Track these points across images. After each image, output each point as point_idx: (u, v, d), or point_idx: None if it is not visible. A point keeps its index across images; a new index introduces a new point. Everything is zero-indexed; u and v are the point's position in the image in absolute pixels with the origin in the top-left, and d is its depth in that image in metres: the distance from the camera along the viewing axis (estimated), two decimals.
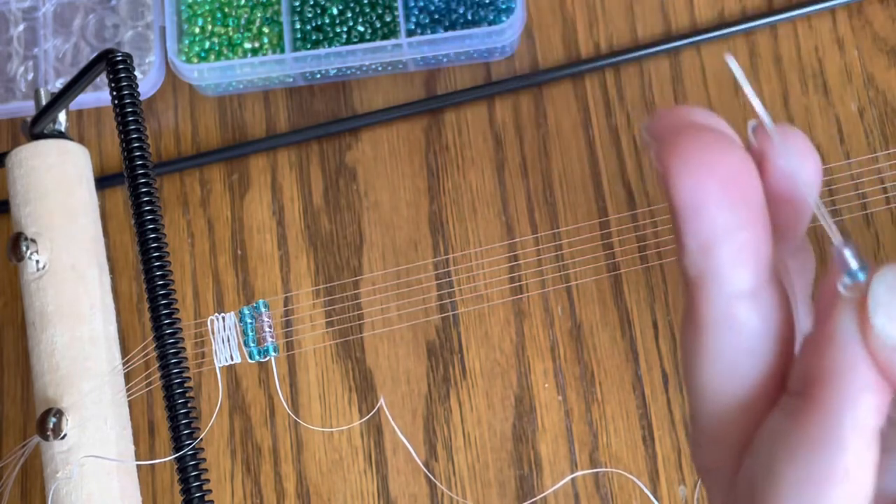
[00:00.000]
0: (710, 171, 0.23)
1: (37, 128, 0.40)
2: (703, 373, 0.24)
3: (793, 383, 0.23)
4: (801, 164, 0.26)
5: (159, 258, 0.35)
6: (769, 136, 0.25)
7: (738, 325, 0.23)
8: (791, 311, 0.24)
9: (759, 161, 0.24)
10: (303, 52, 0.45)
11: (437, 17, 0.45)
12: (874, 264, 0.22)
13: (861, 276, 0.22)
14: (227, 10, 0.47)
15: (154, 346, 0.35)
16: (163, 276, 0.35)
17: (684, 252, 0.23)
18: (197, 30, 0.47)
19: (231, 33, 0.47)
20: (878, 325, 0.21)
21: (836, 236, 0.22)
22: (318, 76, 0.46)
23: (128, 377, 0.38)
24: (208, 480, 0.34)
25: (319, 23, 0.46)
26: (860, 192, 0.41)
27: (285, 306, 0.44)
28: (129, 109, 0.36)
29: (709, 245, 0.23)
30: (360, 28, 0.46)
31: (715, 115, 0.25)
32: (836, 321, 0.22)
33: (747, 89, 0.23)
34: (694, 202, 0.23)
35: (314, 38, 0.46)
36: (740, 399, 0.24)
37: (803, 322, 0.26)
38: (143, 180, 0.35)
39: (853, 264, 0.22)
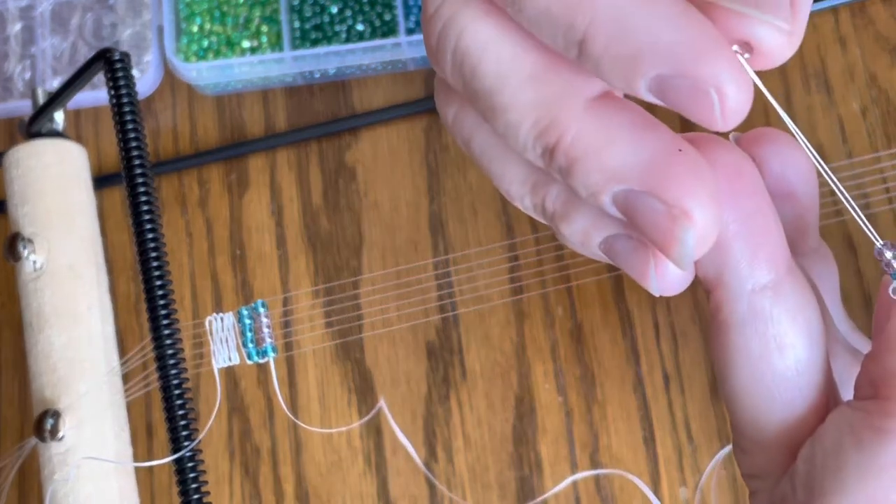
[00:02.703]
0: (712, 167, 0.22)
1: (34, 127, 0.40)
2: (737, 375, 0.24)
3: (862, 390, 0.23)
4: (793, 163, 0.26)
5: (157, 258, 0.35)
6: (756, 139, 0.25)
7: (765, 319, 0.23)
8: (817, 304, 0.24)
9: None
10: (302, 51, 0.45)
11: None
12: None
13: None
14: (225, 8, 0.47)
15: (152, 346, 0.34)
16: (161, 277, 0.35)
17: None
18: (195, 29, 0.46)
19: (229, 32, 0.46)
20: None
21: (876, 239, 0.22)
22: (318, 75, 0.46)
23: (126, 378, 0.37)
24: (207, 482, 0.34)
25: (318, 22, 0.46)
26: (862, 191, 0.41)
27: (284, 307, 0.44)
28: (127, 109, 0.36)
29: (722, 242, 0.23)
30: (360, 27, 0.46)
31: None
32: (893, 326, 0.22)
33: (752, 76, 0.23)
34: (697, 201, 0.22)
35: (313, 36, 0.46)
36: (779, 396, 0.23)
37: (837, 327, 0.26)
38: (141, 180, 0.35)
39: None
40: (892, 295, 0.22)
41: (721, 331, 0.23)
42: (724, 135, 0.25)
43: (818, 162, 0.23)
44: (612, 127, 0.21)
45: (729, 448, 0.35)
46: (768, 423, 0.24)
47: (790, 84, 0.44)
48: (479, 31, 0.22)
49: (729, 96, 0.20)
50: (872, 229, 0.23)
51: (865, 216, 0.41)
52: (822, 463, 0.22)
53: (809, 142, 0.44)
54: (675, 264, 0.21)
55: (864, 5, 0.44)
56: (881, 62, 0.44)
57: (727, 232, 0.23)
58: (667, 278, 0.23)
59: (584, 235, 0.24)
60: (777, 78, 0.44)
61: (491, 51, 0.22)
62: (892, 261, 0.22)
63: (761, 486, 0.25)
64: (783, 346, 0.23)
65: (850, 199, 0.23)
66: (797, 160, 0.26)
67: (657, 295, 0.23)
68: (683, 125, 0.42)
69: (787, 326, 0.23)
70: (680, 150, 0.21)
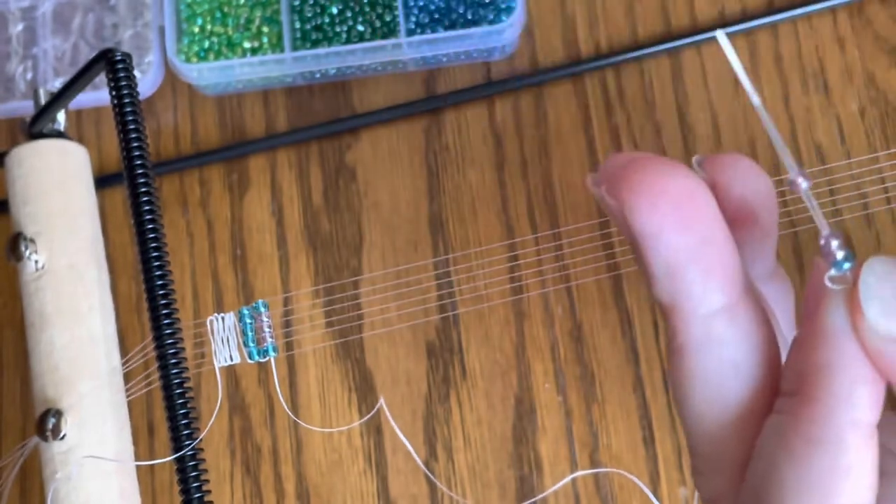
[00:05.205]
0: (663, 194, 0.22)
1: (36, 127, 0.40)
2: (693, 398, 0.23)
3: (786, 384, 0.23)
4: (755, 188, 0.25)
5: (158, 258, 0.35)
6: (718, 162, 0.25)
7: (719, 342, 0.23)
8: (772, 327, 0.24)
9: (712, 188, 0.24)
10: (302, 52, 0.45)
11: (436, 16, 0.45)
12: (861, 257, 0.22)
13: (846, 267, 0.21)
14: (226, 9, 0.47)
15: (153, 346, 0.34)
16: (162, 276, 0.35)
17: (653, 281, 0.23)
18: (196, 29, 0.47)
19: (230, 33, 0.47)
20: (871, 316, 0.21)
21: (824, 227, 0.22)
22: (318, 76, 0.46)
23: (127, 377, 0.38)
24: (208, 481, 0.34)
25: (319, 22, 0.46)
26: (861, 192, 0.41)
27: (285, 306, 0.44)
28: (129, 109, 0.36)
29: (675, 267, 0.23)
30: (360, 27, 0.46)
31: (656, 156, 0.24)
32: (826, 315, 0.22)
33: (738, 69, 0.23)
34: (652, 227, 0.22)
35: (314, 37, 0.46)
36: (735, 418, 0.23)
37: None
38: (142, 180, 0.35)
39: (840, 255, 0.21)
40: (826, 283, 0.22)
41: (678, 355, 0.23)
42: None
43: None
44: None
45: None
46: (724, 445, 0.24)
47: (789, 85, 0.44)
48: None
49: None
50: (822, 215, 0.22)
51: (865, 216, 0.41)
52: (763, 477, 0.22)
53: (808, 142, 0.45)
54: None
55: (863, 6, 0.44)
56: (880, 63, 0.44)
57: (680, 257, 0.23)
58: None
59: None
60: (776, 78, 0.44)
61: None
62: (837, 251, 0.22)
63: None
64: (739, 369, 0.23)
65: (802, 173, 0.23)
66: (758, 184, 0.26)
67: None
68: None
69: (743, 350, 0.23)
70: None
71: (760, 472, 0.23)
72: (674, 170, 0.23)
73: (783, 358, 0.24)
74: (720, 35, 0.23)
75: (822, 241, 0.22)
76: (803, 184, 0.22)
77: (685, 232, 0.22)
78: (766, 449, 0.22)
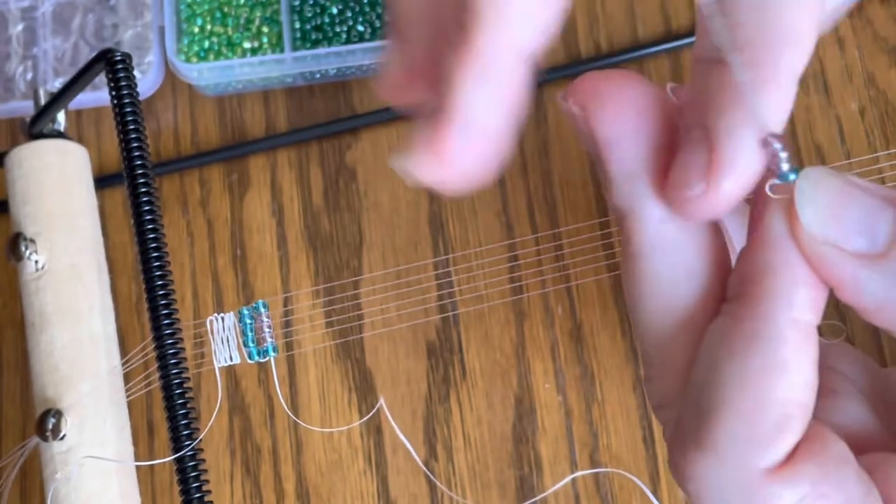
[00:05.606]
0: (623, 102, 0.24)
1: (36, 127, 0.40)
2: (645, 300, 0.24)
3: (731, 289, 0.24)
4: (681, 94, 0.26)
5: (158, 258, 0.35)
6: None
7: (671, 245, 0.24)
8: (723, 236, 0.25)
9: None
10: (302, 52, 0.45)
11: None
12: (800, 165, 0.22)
13: (791, 179, 0.22)
14: (226, 9, 0.47)
15: (153, 346, 0.35)
16: (162, 277, 0.35)
17: (612, 186, 0.24)
18: (196, 29, 0.47)
19: (230, 33, 0.47)
20: (807, 221, 0.22)
21: (774, 140, 0.22)
22: (318, 76, 0.46)
23: (127, 377, 0.38)
24: (208, 481, 0.34)
25: (319, 22, 0.46)
26: None
27: (285, 307, 0.44)
28: (129, 109, 0.36)
29: (633, 172, 0.24)
30: (360, 28, 0.46)
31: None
32: (767, 222, 0.23)
33: None
34: (613, 133, 0.24)
35: (314, 37, 0.46)
36: (684, 321, 0.24)
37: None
38: (142, 180, 0.35)
39: (785, 167, 0.22)
40: (768, 191, 0.22)
41: (631, 260, 0.24)
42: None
43: None
44: None
45: None
46: (673, 348, 0.24)
47: None
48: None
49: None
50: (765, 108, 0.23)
51: None
52: (705, 375, 0.23)
53: (808, 142, 0.45)
54: None
55: (863, 6, 0.44)
56: (879, 62, 0.44)
57: (637, 163, 0.24)
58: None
59: None
60: None
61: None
62: (780, 153, 0.22)
63: (669, 417, 0.25)
64: (690, 272, 0.24)
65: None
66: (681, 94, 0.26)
67: None
68: None
69: (694, 253, 0.24)
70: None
71: (703, 372, 0.23)
72: (632, 82, 0.24)
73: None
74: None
75: (770, 151, 0.22)
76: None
77: (641, 140, 0.24)
78: (709, 349, 0.23)
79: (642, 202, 0.24)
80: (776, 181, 0.22)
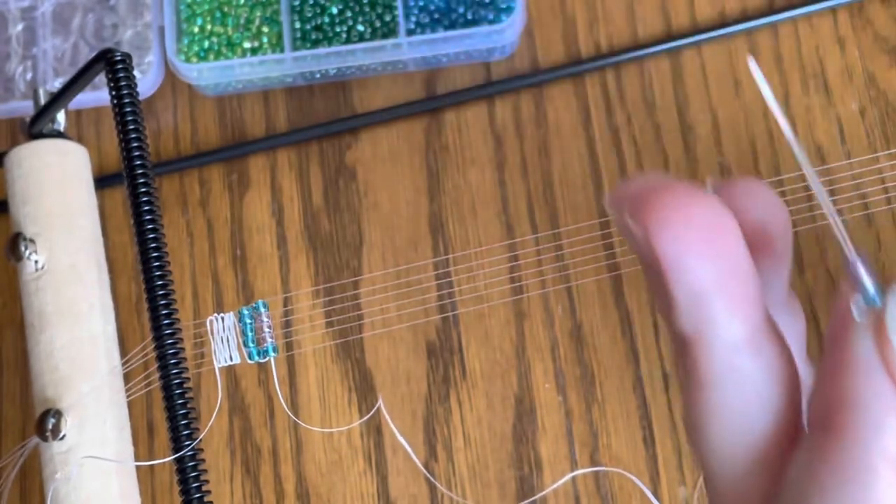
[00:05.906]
0: (689, 221, 0.22)
1: (35, 127, 0.40)
2: (715, 433, 0.23)
3: (812, 417, 0.22)
4: (771, 215, 0.25)
5: (158, 258, 0.35)
6: (735, 187, 0.25)
7: (744, 375, 0.22)
8: (793, 358, 0.23)
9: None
10: (302, 52, 0.45)
11: (436, 16, 0.45)
12: (887, 283, 0.21)
13: (876, 298, 0.21)
14: (226, 9, 0.47)
15: (153, 346, 0.34)
16: (162, 277, 0.35)
17: (676, 309, 0.22)
18: (196, 29, 0.47)
19: (230, 33, 0.47)
20: None
21: (850, 252, 0.21)
22: (318, 76, 0.46)
23: (127, 377, 0.38)
24: (207, 481, 0.34)
25: (319, 22, 0.46)
26: (861, 192, 0.41)
27: (285, 307, 0.44)
28: (128, 109, 0.36)
29: (701, 296, 0.22)
30: (360, 28, 0.46)
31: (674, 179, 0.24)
32: (853, 346, 0.21)
33: (767, 94, 0.23)
34: (679, 255, 0.22)
35: (314, 37, 0.46)
36: (759, 453, 0.23)
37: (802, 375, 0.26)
38: (142, 180, 0.35)
39: (868, 285, 0.21)
40: (854, 314, 0.21)
41: (698, 388, 0.23)
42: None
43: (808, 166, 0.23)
44: None
45: None
46: (748, 482, 0.23)
47: (789, 85, 0.44)
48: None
49: None
50: (849, 239, 0.22)
51: (865, 216, 0.41)
52: None
53: (809, 142, 0.44)
54: None
55: (863, 6, 0.44)
56: (880, 63, 0.44)
57: (706, 287, 0.22)
58: None
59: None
60: (776, 79, 0.44)
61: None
62: (865, 280, 0.21)
63: None
64: (763, 403, 0.22)
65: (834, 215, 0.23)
66: (774, 210, 0.25)
67: None
68: None
69: (768, 382, 0.22)
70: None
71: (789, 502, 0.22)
72: (701, 197, 0.22)
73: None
74: (751, 62, 0.23)
75: (850, 268, 0.21)
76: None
77: (712, 261, 0.22)
78: (796, 484, 0.22)
79: (713, 327, 0.22)
80: (860, 300, 0.21)
